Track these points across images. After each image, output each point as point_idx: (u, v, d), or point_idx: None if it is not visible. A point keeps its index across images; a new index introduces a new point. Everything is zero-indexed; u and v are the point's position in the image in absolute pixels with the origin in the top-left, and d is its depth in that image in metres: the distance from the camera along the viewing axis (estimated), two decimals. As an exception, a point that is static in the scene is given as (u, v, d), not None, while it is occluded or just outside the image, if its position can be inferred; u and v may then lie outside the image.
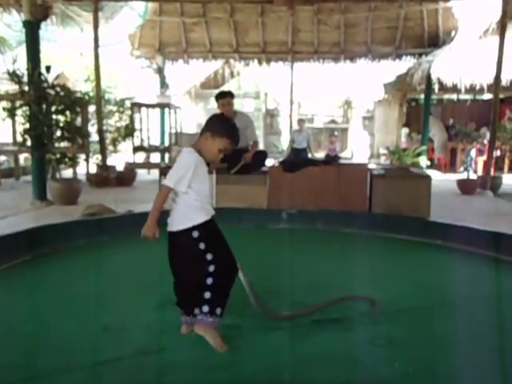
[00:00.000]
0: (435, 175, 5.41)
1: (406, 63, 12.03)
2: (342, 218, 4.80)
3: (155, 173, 9.48)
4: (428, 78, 10.33)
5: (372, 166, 6.34)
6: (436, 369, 2.03)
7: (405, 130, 13.90)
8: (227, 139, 2.18)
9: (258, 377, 1.96)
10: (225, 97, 5.33)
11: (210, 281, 2.10)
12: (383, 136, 15.24)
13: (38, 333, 2.35)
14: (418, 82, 10.41)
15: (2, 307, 2.67)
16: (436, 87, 10.48)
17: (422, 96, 12.34)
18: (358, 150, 15.91)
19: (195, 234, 2.13)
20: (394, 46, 11.86)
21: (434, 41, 11.51)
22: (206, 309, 2.11)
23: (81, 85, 11.19)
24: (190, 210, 2.14)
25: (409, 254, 3.98)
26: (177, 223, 2.16)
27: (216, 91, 6.74)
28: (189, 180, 2.10)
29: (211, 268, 2.11)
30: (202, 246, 2.12)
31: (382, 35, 11.85)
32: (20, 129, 6.52)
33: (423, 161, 11.62)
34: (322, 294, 2.83)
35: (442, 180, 9.34)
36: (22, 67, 6.13)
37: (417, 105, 14.38)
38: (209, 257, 2.12)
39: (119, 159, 10.66)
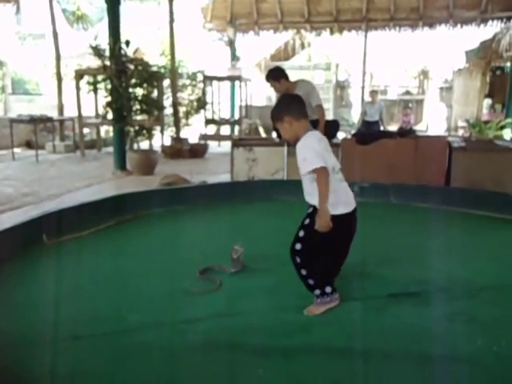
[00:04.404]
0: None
1: (491, 28, 11.14)
2: (417, 192, 4.62)
3: (225, 145, 9.65)
4: (517, 43, 9.53)
5: (451, 138, 6.00)
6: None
7: (487, 101, 12.98)
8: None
9: (332, 344, 1.98)
10: (267, 81, 5.23)
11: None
12: (462, 108, 14.33)
13: (125, 291, 2.53)
14: (506, 48, 9.63)
15: (90, 268, 2.88)
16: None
17: (509, 64, 11.41)
18: (434, 122, 15.12)
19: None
20: (480, 10, 10.97)
21: (526, 2, 10.53)
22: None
23: (156, 59, 11.51)
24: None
25: (491, 230, 3.77)
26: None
27: (286, 63, 6.63)
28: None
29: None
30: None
31: (465, -2, 11.02)
32: (102, 102, 6.87)
33: (507, 134, 10.84)
34: (400, 269, 2.77)
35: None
36: (102, 43, 6.42)
37: (502, 73, 13.30)
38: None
39: (191, 132, 10.94)
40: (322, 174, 2.06)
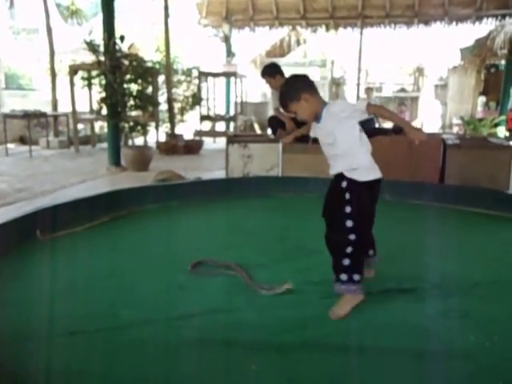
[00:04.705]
0: (515, 147, 5.11)
1: (486, 26, 11.16)
2: (412, 189, 4.63)
3: (220, 142, 9.64)
4: (511, 41, 9.55)
5: (446, 135, 6.02)
6: (516, 344, 1.95)
7: (481, 99, 13.02)
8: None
9: (325, 340, 1.98)
10: (262, 77, 5.25)
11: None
12: (457, 105, 14.37)
13: (118, 287, 2.52)
14: (500, 46, 9.66)
15: (84, 264, 2.86)
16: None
17: (503, 62, 11.45)
18: (429, 120, 15.16)
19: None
20: (475, 8, 11.01)
21: (521, 0, 10.57)
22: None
23: (151, 54, 11.46)
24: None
25: (485, 227, 3.79)
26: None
27: (281, 60, 6.64)
28: None
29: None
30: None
31: (461, -5, 11.04)
32: (96, 98, 6.84)
33: (501, 131, 10.90)
34: (394, 266, 2.78)
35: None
36: (97, 38, 6.38)
37: (497, 71, 13.35)
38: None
39: (186, 128, 10.91)
40: (376, 105, 2.15)
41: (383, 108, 2.16)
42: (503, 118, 11.16)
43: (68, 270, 2.73)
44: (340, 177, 2.17)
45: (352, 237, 2.10)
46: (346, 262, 2.11)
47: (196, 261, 2.72)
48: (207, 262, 2.75)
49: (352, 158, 2.14)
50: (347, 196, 2.12)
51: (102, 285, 2.55)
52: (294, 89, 2.17)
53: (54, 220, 3.34)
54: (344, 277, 2.12)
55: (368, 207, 2.17)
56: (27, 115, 8.68)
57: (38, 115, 9.21)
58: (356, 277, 2.12)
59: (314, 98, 2.16)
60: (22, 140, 10.15)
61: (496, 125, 11.04)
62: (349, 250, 2.10)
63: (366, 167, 2.15)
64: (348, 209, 2.11)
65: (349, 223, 2.10)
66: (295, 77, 2.30)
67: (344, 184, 2.14)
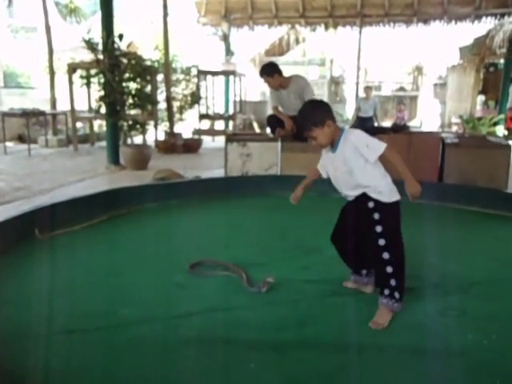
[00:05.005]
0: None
1: (485, 25, 11.17)
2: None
3: (219, 140, 9.63)
4: (510, 40, 9.55)
5: (444, 134, 6.03)
6: (513, 342, 1.96)
7: (480, 98, 13.05)
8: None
9: (324, 339, 1.99)
10: (261, 76, 5.26)
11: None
12: (456, 104, 14.38)
13: (117, 286, 2.52)
14: (499, 44, 9.66)
15: (83, 262, 2.87)
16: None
17: (502, 61, 11.46)
18: (428, 118, 15.17)
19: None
20: (474, 6, 11.01)
21: (520, -1, 10.56)
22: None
23: (150, 53, 11.45)
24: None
25: (484, 226, 3.80)
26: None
27: (280, 58, 6.65)
28: None
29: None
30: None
31: (460, -6, 11.04)
32: (95, 96, 6.83)
33: (500, 130, 10.91)
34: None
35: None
36: (96, 36, 6.37)
37: (495, 70, 13.37)
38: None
39: (185, 127, 10.90)
40: (392, 149, 2.09)
41: (396, 157, 2.09)
42: (502, 116, 11.18)
43: (66, 269, 2.73)
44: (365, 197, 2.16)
45: (387, 255, 2.10)
46: (393, 282, 2.11)
47: (194, 261, 2.72)
48: (205, 263, 2.75)
49: (374, 186, 2.14)
50: (376, 216, 2.12)
51: (101, 283, 2.55)
52: (318, 114, 2.15)
53: (52, 219, 3.34)
54: (397, 295, 2.12)
55: (398, 226, 2.18)
56: (26, 114, 8.66)
57: (37, 114, 9.19)
58: (402, 294, 2.12)
59: (335, 126, 2.16)
60: (21, 138, 10.13)
61: (495, 124, 11.06)
62: (389, 270, 2.11)
63: (388, 190, 2.15)
64: (379, 228, 2.11)
65: (381, 242, 2.10)
66: (318, 101, 2.31)
67: (371, 205, 2.14)
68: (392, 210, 2.14)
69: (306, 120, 2.17)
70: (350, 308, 2.25)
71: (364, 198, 2.15)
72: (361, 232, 2.19)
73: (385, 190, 2.12)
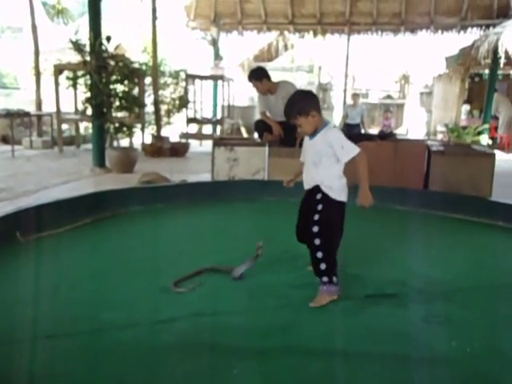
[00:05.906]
0: (497, 154, 5.15)
1: (471, 35, 11.36)
2: (396, 195, 4.66)
3: (207, 145, 9.61)
4: (495, 51, 9.71)
5: (430, 142, 6.09)
6: (497, 349, 1.97)
7: (465, 107, 13.24)
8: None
9: (307, 345, 1.98)
10: (249, 80, 5.28)
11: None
12: (441, 113, 14.58)
13: (100, 290, 2.48)
14: (484, 55, 9.81)
15: (66, 266, 2.82)
16: (502, 62, 9.86)
17: (487, 71, 11.66)
18: (414, 126, 15.34)
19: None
20: (460, 17, 11.20)
21: (504, 11, 10.75)
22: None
23: (137, 56, 11.40)
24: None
25: (468, 234, 3.84)
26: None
27: (269, 64, 6.66)
28: None
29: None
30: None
31: (446, 5, 11.23)
32: (81, 98, 6.76)
33: (484, 139, 11.08)
34: (378, 271, 2.80)
35: (505, 160, 8.86)
36: (83, 38, 6.32)
37: (480, 80, 13.60)
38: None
39: (173, 131, 10.86)
40: (363, 157, 2.28)
41: (364, 164, 2.30)
42: (486, 126, 11.35)
43: (49, 272, 2.67)
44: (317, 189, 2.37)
45: (318, 241, 2.28)
46: (323, 266, 2.30)
47: (178, 278, 2.57)
48: (189, 277, 2.63)
49: (328, 182, 2.34)
50: (319, 207, 2.32)
51: (84, 287, 2.51)
52: (305, 104, 2.31)
53: (35, 221, 3.28)
54: (326, 279, 2.31)
55: (336, 221, 2.38)
56: (10, 114, 8.54)
57: (22, 114, 9.07)
58: (335, 279, 2.31)
59: (319, 116, 2.33)
60: (5, 139, 9.98)
61: (479, 133, 11.22)
62: (319, 255, 2.29)
63: (339, 189, 2.35)
64: (316, 216, 2.31)
65: (315, 228, 2.29)
66: (306, 92, 2.44)
67: (319, 196, 2.34)
68: (335, 206, 2.33)
69: (292, 108, 2.33)
70: (335, 314, 2.25)
71: (316, 189, 2.35)
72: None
73: (336, 189, 2.32)
